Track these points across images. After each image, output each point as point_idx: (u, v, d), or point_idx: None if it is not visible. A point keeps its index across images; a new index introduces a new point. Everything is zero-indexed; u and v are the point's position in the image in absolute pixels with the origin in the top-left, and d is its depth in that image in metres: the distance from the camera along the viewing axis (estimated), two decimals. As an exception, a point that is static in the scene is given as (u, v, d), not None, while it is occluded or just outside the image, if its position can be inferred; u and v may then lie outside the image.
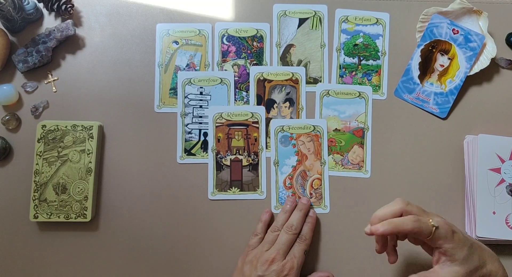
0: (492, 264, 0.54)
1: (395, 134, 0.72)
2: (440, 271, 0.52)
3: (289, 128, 0.72)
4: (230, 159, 0.71)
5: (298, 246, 0.63)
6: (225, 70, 0.73)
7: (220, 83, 0.73)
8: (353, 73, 0.74)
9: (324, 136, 0.71)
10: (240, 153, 0.71)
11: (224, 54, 0.74)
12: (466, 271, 0.51)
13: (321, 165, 0.71)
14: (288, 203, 0.68)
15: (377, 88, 0.73)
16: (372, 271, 0.68)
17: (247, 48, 0.74)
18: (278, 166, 0.71)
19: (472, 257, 0.52)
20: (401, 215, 0.53)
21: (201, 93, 0.73)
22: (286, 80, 0.73)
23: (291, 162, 0.71)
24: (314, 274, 0.66)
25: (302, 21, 0.75)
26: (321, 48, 0.74)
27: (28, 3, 0.72)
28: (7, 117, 0.70)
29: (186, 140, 0.71)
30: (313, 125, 0.72)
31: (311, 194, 0.70)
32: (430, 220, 0.52)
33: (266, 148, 0.71)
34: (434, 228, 0.51)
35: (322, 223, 0.69)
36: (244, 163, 0.71)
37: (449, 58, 0.72)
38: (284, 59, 0.74)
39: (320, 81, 0.73)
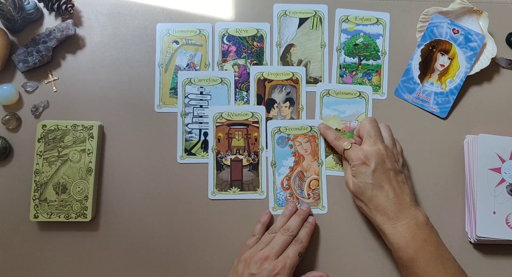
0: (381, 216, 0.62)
1: (395, 134, 0.72)
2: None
3: (286, 129, 0.72)
4: (230, 159, 0.71)
5: (293, 247, 0.63)
6: (225, 70, 0.73)
7: (220, 83, 0.73)
8: (353, 73, 0.74)
9: (321, 136, 0.71)
10: (240, 153, 0.71)
11: (224, 54, 0.74)
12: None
13: (319, 166, 0.71)
14: (288, 207, 0.68)
15: (377, 88, 0.73)
16: (370, 272, 0.68)
17: (247, 48, 0.74)
18: (275, 167, 0.71)
19: (367, 192, 0.62)
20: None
21: (201, 93, 0.73)
22: (286, 80, 0.73)
23: (288, 163, 0.71)
24: (308, 273, 0.65)
25: (302, 21, 0.75)
26: (321, 48, 0.74)
27: (28, 3, 0.72)
28: (7, 117, 0.70)
29: (186, 140, 0.71)
30: (310, 126, 0.72)
31: (308, 194, 0.70)
32: (345, 144, 0.65)
33: (266, 148, 0.71)
34: (344, 150, 0.65)
35: (320, 224, 0.69)
36: (244, 163, 0.71)
37: (449, 58, 0.72)
38: (284, 59, 0.74)
39: (320, 81, 0.73)
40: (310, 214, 0.69)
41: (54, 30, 0.71)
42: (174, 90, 0.73)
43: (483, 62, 0.71)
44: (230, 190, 0.70)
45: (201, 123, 0.72)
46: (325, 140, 0.70)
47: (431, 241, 0.60)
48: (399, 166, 0.64)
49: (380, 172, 0.62)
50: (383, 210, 0.61)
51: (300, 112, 0.72)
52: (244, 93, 0.73)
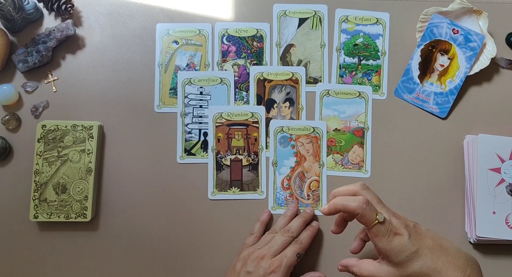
0: (454, 271, 0.50)
1: (395, 134, 0.72)
2: (377, 266, 0.53)
3: (289, 129, 0.72)
4: (230, 159, 0.71)
5: (292, 247, 0.63)
6: (225, 70, 0.73)
7: (220, 83, 0.73)
8: (353, 73, 0.74)
9: (324, 138, 0.71)
10: (240, 153, 0.71)
11: (224, 54, 0.74)
12: (402, 274, 0.51)
13: (320, 167, 0.71)
14: (290, 208, 0.68)
15: (377, 88, 0.73)
16: (372, 271, 0.68)
17: (247, 48, 0.74)
18: (276, 166, 0.71)
19: (412, 263, 0.50)
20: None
21: (201, 93, 0.73)
22: (286, 80, 0.73)
23: (289, 163, 0.71)
24: (307, 274, 0.65)
25: (302, 21, 0.75)
26: (321, 48, 0.74)
27: (28, 3, 0.72)
28: (7, 117, 0.70)
29: (186, 140, 0.71)
30: (312, 127, 0.72)
31: (308, 195, 0.70)
32: (378, 214, 0.51)
33: (266, 148, 0.71)
34: (377, 221, 0.51)
35: (319, 225, 0.69)
36: (244, 163, 0.71)
37: (449, 58, 0.72)
38: (284, 59, 0.74)
39: (320, 81, 0.73)
40: (319, 219, 0.69)
41: (54, 30, 0.71)
42: (174, 90, 0.73)
43: (483, 62, 0.71)
44: (230, 190, 0.70)
45: (201, 123, 0.72)
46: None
47: None
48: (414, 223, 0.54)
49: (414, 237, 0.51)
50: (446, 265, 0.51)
51: (300, 112, 0.72)
52: (244, 93, 0.73)
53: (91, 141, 0.69)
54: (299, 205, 0.69)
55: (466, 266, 0.51)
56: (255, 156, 0.71)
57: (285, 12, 0.75)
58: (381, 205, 0.53)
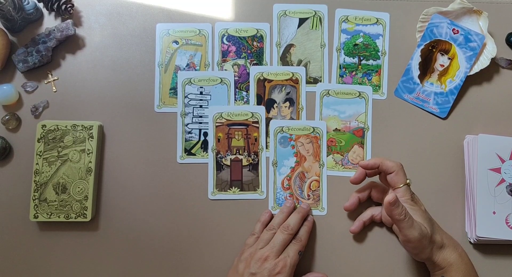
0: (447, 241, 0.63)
1: (395, 134, 0.72)
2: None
3: (289, 129, 0.72)
4: (230, 159, 0.71)
5: (293, 246, 0.63)
6: (225, 70, 0.73)
7: (220, 83, 0.73)
8: (353, 73, 0.74)
9: (324, 138, 0.71)
10: (240, 153, 0.71)
11: (224, 54, 0.74)
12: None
13: (320, 167, 0.71)
14: (286, 204, 0.68)
15: (377, 88, 0.73)
16: (370, 273, 0.68)
17: (247, 48, 0.74)
18: (276, 166, 0.71)
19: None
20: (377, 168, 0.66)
21: (201, 93, 0.73)
22: (286, 80, 0.73)
23: (289, 163, 0.71)
24: (308, 274, 0.65)
25: (302, 21, 0.75)
26: (321, 48, 0.74)
27: (28, 3, 0.72)
28: (7, 117, 0.70)
29: (186, 140, 0.71)
30: (312, 127, 0.72)
31: (308, 195, 0.70)
32: (408, 179, 0.64)
33: (266, 148, 0.71)
34: (408, 181, 0.64)
35: (319, 225, 0.69)
36: (244, 163, 0.71)
37: (449, 58, 0.72)
38: (284, 59, 0.74)
39: (320, 81, 0.73)
40: (319, 220, 0.69)
41: (54, 30, 0.71)
42: (174, 90, 0.73)
43: (483, 62, 0.71)
44: (230, 190, 0.70)
45: (201, 123, 0.72)
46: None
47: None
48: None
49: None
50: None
51: (300, 112, 0.72)
52: (244, 93, 0.73)
53: (91, 141, 0.69)
54: (298, 204, 0.69)
55: (459, 244, 0.64)
56: (255, 156, 0.71)
57: (285, 12, 0.75)
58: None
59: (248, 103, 0.73)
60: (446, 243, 0.63)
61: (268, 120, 0.72)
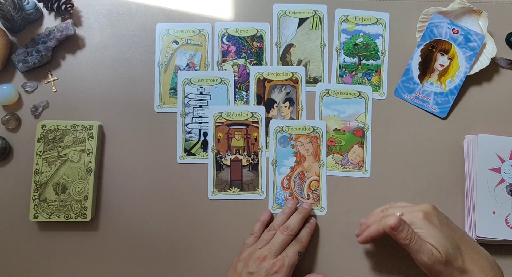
0: (472, 263, 0.56)
1: (395, 134, 0.72)
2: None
3: (289, 128, 0.72)
4: (230, 159, 0.71)
5: (293, 246, 0.63)
6: (225, 70, 0.73)
7: (220, 83, 0.73)
8: (353, 73, 0.74)
9: (323, 137, 0.71)
10: (240, 153, 0.71)
11: (224, 54, 0.74)
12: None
13: (320, 167, 0.71)
14: (288, 205, 0.68)
15: (377, 88, 0.73)
16: (370, 273, 0.68)
17: (247, 48, 0.74)
18: (276, 166, 0.71)
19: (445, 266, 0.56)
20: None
21: (201, 93, 0.73)
22: (286, 80, 0.73)
23: (289, 163, 0.71)
24: (308, 275, 0.65)
25: (302, 21, 0.75)
26: (321, 48, 0.74)
27: (28, 3, 0.72)
28: (7, 117, 0.70)
29: (186, 140, 0.71)
30: (312, 126, 0.72)
31: (308, 195, 0.70)
32: (397, 212, 0.59)
33: (266, 148, 0.71)
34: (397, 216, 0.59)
35: (319, 225, 0.69)
36: (244, 163, 0.71)
37: (449, 58, 0.72)
38: (284, 59, 0.74)
39: (320, 81, 0.73)
40: (319, 220, 0.69)
41: (54, 30, 0.71)
42: (173, 90, 0.73)
43: (483, 62, 0.71)
44: (230, 190, 0.70)
45: (200, 123, 0.72)
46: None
47: None
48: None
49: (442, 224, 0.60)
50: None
51: (299, 112, 0.72)
52: (244, 93, 0.73)
53: (91, 141, 0.69)
54: (298, 204, 0.69)
55: (491, 269, 0.57)
56: (255, 156, 0.71)
57: (285, 12, 0.75)
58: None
59: (248, 103, 0.73)
60: (470, 269, 0.56)
61: (268, 120, 0.72)
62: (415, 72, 0.73)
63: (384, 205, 0.65)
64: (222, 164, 0.71)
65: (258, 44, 0.74)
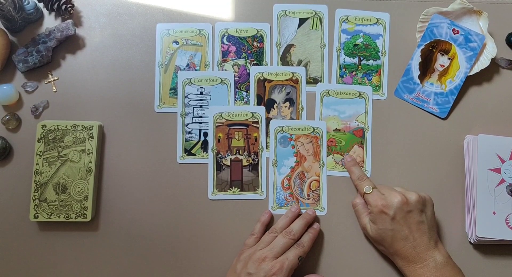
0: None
1: (395, 134, 0.72)
2: (367, 222, 0.66)
3: (289, 128, 0.72)
4: (230, 159, 0.71)
5: (294, 250, 0.63)
6: (225, 70, 0.73)
7: (220, 83, 0.73)
8: (353, 73, 0.74)
9: (324, 137, 0.71)
10: (240, 153, 0.71)
11: (224, 54, 0.74)
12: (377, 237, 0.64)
13: (320, 167, 0.71)
14: (292, 209, 0.68)
15: (377, 88, 0.73)
16: (370, 273, 0.68)
17: (247, 48, 0.74)
18: (276, 166, 0.71)
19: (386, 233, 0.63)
20: None
21: (201, 93, 0.73)
22: (286, 80, 0.73)
23: (289, 163, 0.71)
24: (307, 276, 0.65)
25: (302, 21, 0.75)
26: (321, 48, 0.74)
27: (28, 3, 0.72)
28: (7, 117, 0.70)
29: (186, 140, 0.71)
30: (312, 127, 0.72)
31: (308, 195, 0.70)
32: (366, 187, 0.65)
33: (266, 148, 0.71)
34: (364, 194, 0.66)
35: (320, 227, 0.69)
36: (244, 163, 0.71)
37: (449, 58, 0.72)
38: (284, 59, 0.74)
39: (320, 81, 0.73)
40: (319, 220, 0.69)
41: (54, 30, 0.71)
42: (174, 90, 0.73)
43: (483, 62, 0.71)
44: (230, 190, 0.70)
45: (201, 123, 0.72)
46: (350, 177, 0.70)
47: None
48: (420, 206, 0.63)
49: (399, 217, 0.61)
50: (403, 254, 0.62)
51: (300, 112, 0.72)
52: (244, 93, 0.73)
53: (91, 141, 0.69)
54: (299, 203, 0.69)
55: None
56: (255, 156, 0.71)
57: (285, 12, 0.75)
58: (385, 189, 0.65)
59: (248, 103, 0.73)
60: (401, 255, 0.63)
61: (268, 120, 0.72)
62: (415, 72, 0.73)
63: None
64: (222, 164, 0.71)
65: (258, 44, 0.74)
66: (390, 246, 0.63)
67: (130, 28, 0.74)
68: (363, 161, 0.71)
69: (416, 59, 0.73)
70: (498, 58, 0.73)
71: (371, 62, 0.74)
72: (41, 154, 0.68)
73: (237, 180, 0.71)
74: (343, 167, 0.71)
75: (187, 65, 0.73)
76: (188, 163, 0.71)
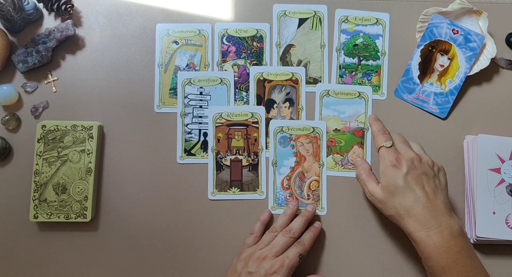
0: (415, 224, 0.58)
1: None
2: (375, 187, 0.63)
3: (289, 129, 0.72)
4: (230, 159, 0.71)
5: (294, 248, 0.63)
6: (225, 70, 0.73)
7: (220, 83, 0.73)
8: (353, 73, 0.74)
9: (323, 137, 0.71)
10: (240, 153, 0.71)
11: (224, 54, 0.74)
12: (385, 200, 0.61)
13: (319, 167, 0.71)
14: (290, 206, 0.68)
15: (377, 88, 0.73)
16: (370, 273, 0.68)
17: (247, 48, 0.74)
18: (276, 166, 0.71)
19: (394, 196, 0.60)
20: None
21: (201, 93, 0.73)
22: (286, 80, 0.73)
23: (289, 163, 0.71)
24: None
25: (302, 21, 0.75)
26: (321, 48, 0.74)
27: (28, 3, 0.72)
28: (7, 117, 0.70)
29: (186, 140, 0.71)
30: (312, 127, 0.72)
31: (308, 195, 0.70)
32: (387, 142, 0.62)
33: (266, 148, 0.71)
34: (383, 145, 0.62)
35: (321, 225, 0.69)
36: (244, 163, 0.71)
37: (449, 58, 0.72)
38: (284, 59, 0.74)
39: (320, 81, 0.73)
40: (319, 220, 0.69)
41: (54, 30, 0.71)
42: (173, 90, 0.73)
43: (483, 62, 0.71)
44: (230, 190, 0.70)
45: (200, 123, 0.72)
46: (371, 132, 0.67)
47: (465, 253, 0.57)
48: (433, 172, 0.61)
49: (412, 176, 0.59)
50: (416, 215, 0.58)
51: (299, 112, 0.72)
52: (244, 93, 0.73)
53: (91, 141, 0.69)
54: (299, 204, 0.69)
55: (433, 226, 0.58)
56: (255, 156, 0.71)
57: (285, 12, 0.75)
58: (403, 143, 0.63)
59: (248, 104, 0.73)
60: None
61: (268, 120, 0.72)
62: (415, 72, 0.73)
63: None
64: (222, 164, 0.71)
65: (258, 45, 0.74)
66: (401, 205, 0.59)
67: (130, 28, 0.74)
68: (363, 161, 0.71)
69: (416, 59, 0.73)
70: (498, 58, 0.73)
71: (370, 62, 0.74)
72: (41, 155, 0.68)
73: (237, 180, 0.71)
74: (343, 167, 0.71)
75: (187, 65, 0.73)
76: (188, 163, 0.71)
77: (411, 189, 0.59)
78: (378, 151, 0.63)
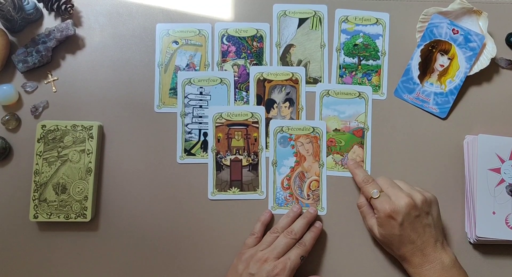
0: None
1: (395, 134, 0.72)
2: (374, 223, 0.65)
3: (289, 128, 0.72)
4: (230, 159, 0.71)
5: (296, 250, 0.63)
6: (225, 70, 0.73)
7: (220, 83, 0.73)
8: (353, 73, 0.74)
9: (323, 137, 0.71)
10: (240, 153, 0.71)
11: (224, 54, 0.74)
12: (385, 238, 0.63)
13: (319, 167, 0.71)
14: (293, 208, 0.68)
15: (377, 88, 0.73)
16: (370, 273, 0.68)
17: (247, 48, 0.74)
18: (276, 166, 0.71)
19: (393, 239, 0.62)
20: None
21: (201, 93, 0.73)
22: (286, 80, 0.73)
23: (289, 163, 0.71)
24: None
25: (302, 21, 0.75)
26: (321, 48, 0.74)
27: (28, 3, 0.72)
28: (7, 117, 0.70)
29: (186, 140, 0.71)
30: (312, 127, 0.72)
31: (308, 195, 0.70)
32: (374, 191, 0.63)
33: (266, 148, 0.71)
34: (370, 198, 0.64)
35: (322, 225, 0.69)
36: (244, 163, 0.71)
37: (449, 58, 0.72)
38: (284, 59, 0.74)
39: (320, 81, 0.73)
40: (319, 220, 0.69)
41: (54, 30, 0.71)
42: (173, 90, 0.73)
43: (483, 62, 0.71)
44: (230, 190, 0.70)
45: (200, 123, 0.72)
46: (353, 179, 0.68)
47: None
48: (426, 209, 0.62)
49: (407, 223, 0.60)
50: (410, 257, 0.61)
51: (299, 112, 0.72)
52: (244, 93, 0.73)
53: (91, 141, 0.69)
54: (298, 203, 0.69)
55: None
56: (255, 156, 0.71)
57: (285, 12, 0.75)
58: (392, 187, 0.64)
59: (248, 103, 0.73)
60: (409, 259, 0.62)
61: (268, 120, 0.72)
62: (415, 72, 0.73)
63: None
64: (222, 164, 0.71)
65: (258, 44, 0.74)
66: (397, 249, 0.62)
67: (130, 28, 0.74)
68: (363, 161, 0.71)
69: (416, 59, 0.73)
70: (498, 58, 0.73)
71: (370, 62, 0.74)
72: (41, 154, 0.68)
73: (237, 180, 0.71)
74: (343, 167, 0.71)
75: (187, 65, 0.73)
76: (188, 163, 0.71)
77: (406, 235, 0.61)
78: (369, 201, 0.65)
